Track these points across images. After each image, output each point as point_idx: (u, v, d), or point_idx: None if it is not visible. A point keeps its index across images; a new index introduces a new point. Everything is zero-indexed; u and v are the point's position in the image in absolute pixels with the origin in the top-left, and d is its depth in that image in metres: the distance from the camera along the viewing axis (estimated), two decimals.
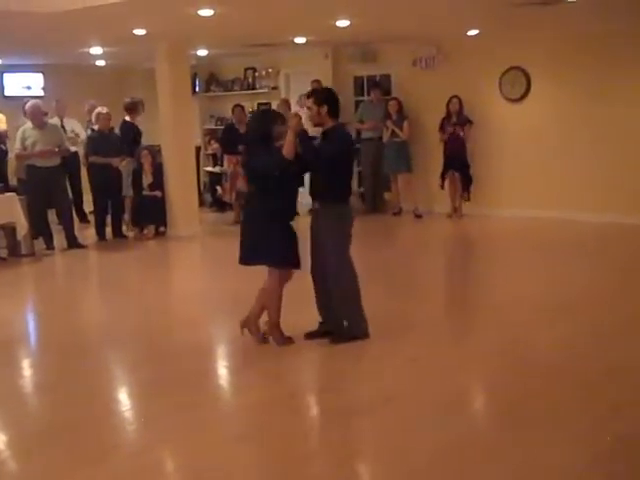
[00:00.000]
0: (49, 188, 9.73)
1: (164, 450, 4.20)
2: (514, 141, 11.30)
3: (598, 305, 6.68)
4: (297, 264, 5.63)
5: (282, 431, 4.30)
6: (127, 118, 11.13)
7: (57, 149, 9.83)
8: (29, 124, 9.84)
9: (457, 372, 5.18)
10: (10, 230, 9.44)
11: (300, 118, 5.59)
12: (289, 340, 5.72)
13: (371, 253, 9.74)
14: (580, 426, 4.21)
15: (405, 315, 6.54)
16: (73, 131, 11.88)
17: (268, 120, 5.62)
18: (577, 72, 10.63)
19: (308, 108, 5.65)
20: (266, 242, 5.51)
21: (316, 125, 5.68)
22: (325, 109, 5.54)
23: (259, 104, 14.04)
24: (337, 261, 5.65)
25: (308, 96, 5.76)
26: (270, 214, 5.48)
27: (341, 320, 5.81)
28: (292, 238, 5.60)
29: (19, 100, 11.83)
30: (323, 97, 5.62)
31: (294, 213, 5.65)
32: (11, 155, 10.22)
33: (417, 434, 4.21)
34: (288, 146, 5.38)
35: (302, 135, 5.52)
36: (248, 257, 5.62)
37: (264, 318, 5.78)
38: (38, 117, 9.81)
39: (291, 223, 5.60)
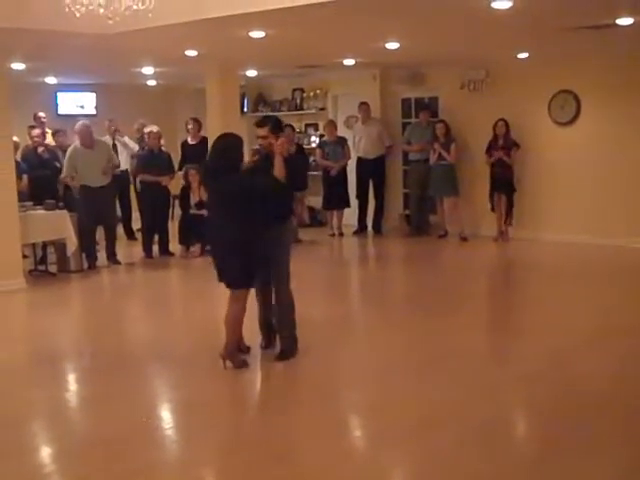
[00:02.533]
0: (99, 207, 9.93)
1: (207, 468, 4.22)
2: (562, 165, 11.18)
3: None
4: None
5: (325, 452, 4.29)
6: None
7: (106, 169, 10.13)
8: (77, 143, 10.04)
9: (498, 398, 5.13)
10: (60, 246, 9.61)
11: (285, 142, 5.96)
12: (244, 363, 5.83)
13: (415, 275, 9.73)
14: (627, 458, 4.12)
15: (447, 338, 6.49)
16: (127, 146, 12.11)
17: (241, 146, 5.94)
18: (627, 96, 10.50)
19: (263, 137, 5.91)
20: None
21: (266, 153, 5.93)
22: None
23: (307, 125, 14.13)
24: None
25: (259, 125, 5.99)
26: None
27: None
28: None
29: (72, 119, 12.06)
30: (279, 126, 6.04)
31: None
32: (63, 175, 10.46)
33: (458, 461, 4.16)
34: (279, 168, 5.72)
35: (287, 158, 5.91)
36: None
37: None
38: (87, 137, 10.00)
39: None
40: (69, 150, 10.11)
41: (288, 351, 5.94)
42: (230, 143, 5.83)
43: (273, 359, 5.90)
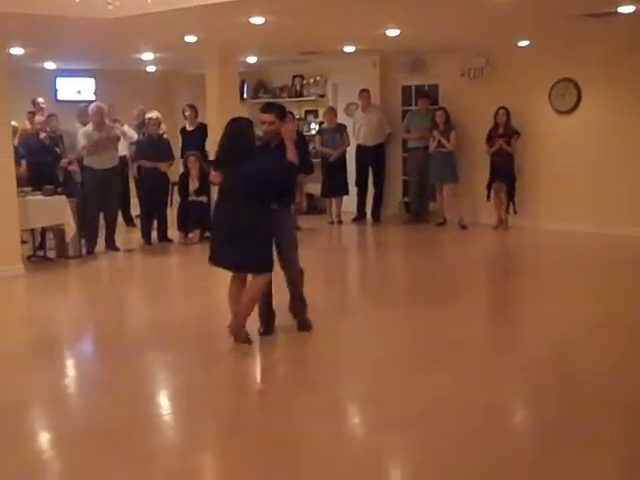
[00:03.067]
0: (104, 191, 9.97)
1: (208, 454, 4.23)
2: (562, 153, 11.17)
3: None
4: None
5: (323, 438, 4.30)
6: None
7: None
8: (89, 126, 10.15)
9: (498, 388, 5.13)
10: (59, 232, 9.60)
11: (293, 127, 6.17)
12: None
13: (414, 263, 9.72)
14: (626, 451, 4.12)
15: (447, 327, 6.49)
16: (125, 134, 12.06)
17: (253, 129, 5.93)
18: (629, 85, 10.48)
19: (270, 123, 5.90)
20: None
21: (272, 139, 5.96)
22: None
23: (306, 111, 14.10)
24: None
25: (265, 110, 5.99)
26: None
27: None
28: None
29: (71, 104, 12.03)
30: (284, 112, 6.04)
31: None
32: (64, 160, 10.48)
33: (457, 450, 4.16)
34: (293, 152, 5.84)
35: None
36: None
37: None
38: (100, 119, 10.12)
39: None
40: (81, 131, 10.21)
41: (306, 323, 6.23)
42: (244, 126, 5.88)
43: (296, 330, 6.17)
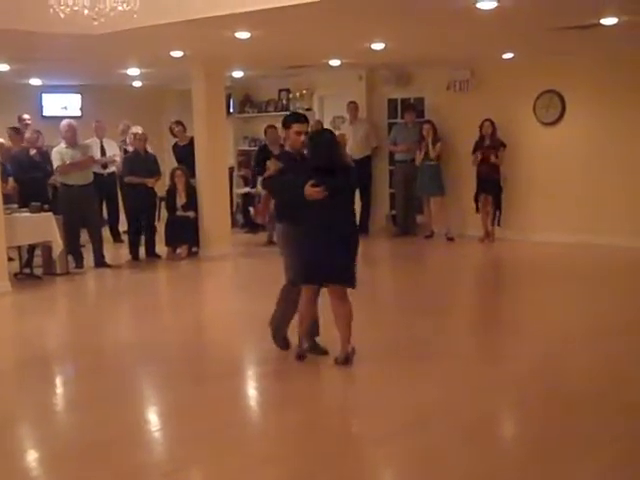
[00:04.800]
0: (81, 206, 9.91)
1: (195, 471, 4.20)
2: (548, 165, 11.23)
3: (634, 332, 6.57)
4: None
5: (314, 453, 4.28)
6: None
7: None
8: (63, 144, 10.07)
9: (487, 398, 5.13)
10: (46, 249, 9.56)
11: None
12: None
13: (401, 276, 9.74)
14: (612, 461, 4.12)
15: (433, 339, 6.50)
16: (115, 155, 12.02)
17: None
18: (613, 96, 10.56)
19: (305, 133, 5.77)
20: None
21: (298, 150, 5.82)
22: None
23: None
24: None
25: (300, 121, 5.82)
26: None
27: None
28: None
29: (57, 120, 12.00)
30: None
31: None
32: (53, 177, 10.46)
33: (445, 460, 4.16)
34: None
35: None
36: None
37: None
38: (71, 136, 10.03)
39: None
40: (55, 150, 10.11)
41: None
42: (333, 138, 5.75)
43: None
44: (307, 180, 5.45)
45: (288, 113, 6.22)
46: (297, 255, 5.67)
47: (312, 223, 5.55)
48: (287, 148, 5.98)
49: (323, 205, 5.47)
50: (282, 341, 6.02)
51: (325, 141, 5.66)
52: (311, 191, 5.42)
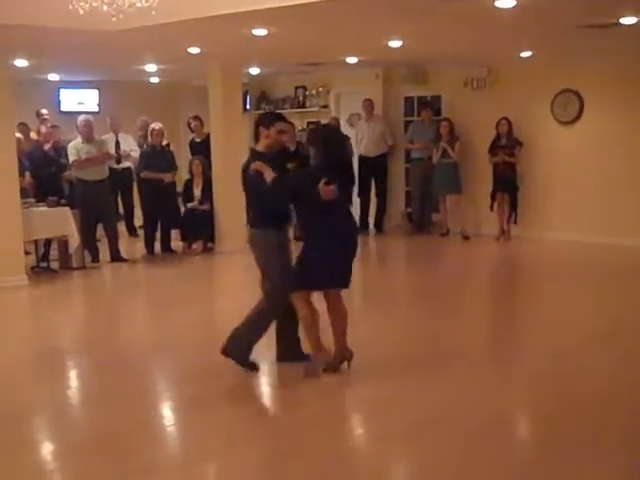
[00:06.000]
0: (97, 201, 9.99)
1: (207, 466, 4.22)
2: (564, 164, 11.18)
3: None
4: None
5: (324, 449, 4.29)
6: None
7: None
8: (79, 139, 10.17)
9: (500, 397, 5.13)
10: (62, 243, 9.63)
11: None
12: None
13: (417, 274, 9.73)
14: (628, 460, 4.11)
15: (449, 338, 6.49)
16: (131, 150, 12.05)
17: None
18: (631, 96, 10.49)
19: (285, 132, 5.62)
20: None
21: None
22: None
23: (309, 122, 14.12)
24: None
25: (284, 119, 5.65)
26: None
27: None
28: None
29: (75, 115, 12.06)
30: None
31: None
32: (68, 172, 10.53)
33: (459, 460, 4.16)
34: None
35: None
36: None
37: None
38: (88, 131, 10.12)
39: None
40: (70, 145, 10.21)
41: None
42: (342, 133, 5.68)
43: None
44: (315, 180, 5.18)
45: (264, 112, 5.85)
46: (302, 260, 5.41)
47: (323, 225, 5.30)
48: (258, 148, 5.52)
49: (330, 205, 5.24)
50: (251, 364, 5.56)
51: (337, 136, 5.56)
52: (326, 190, 5.14)
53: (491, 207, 11.35)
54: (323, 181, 5.16)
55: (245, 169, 5.47)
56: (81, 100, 14.28)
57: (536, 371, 5.61)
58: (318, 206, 5.24)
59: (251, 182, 5.39)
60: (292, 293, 5.43)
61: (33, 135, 11.54)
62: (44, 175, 10.38)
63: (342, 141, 5.52)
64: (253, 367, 5.54)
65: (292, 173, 5.55)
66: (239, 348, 5.48)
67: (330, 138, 5.56)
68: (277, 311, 5.53)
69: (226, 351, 5.49)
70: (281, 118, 5.60)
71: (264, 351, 5.71)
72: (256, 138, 5.57)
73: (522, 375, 5.53)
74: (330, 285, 5.42)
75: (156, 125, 10.99)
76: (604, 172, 10.83)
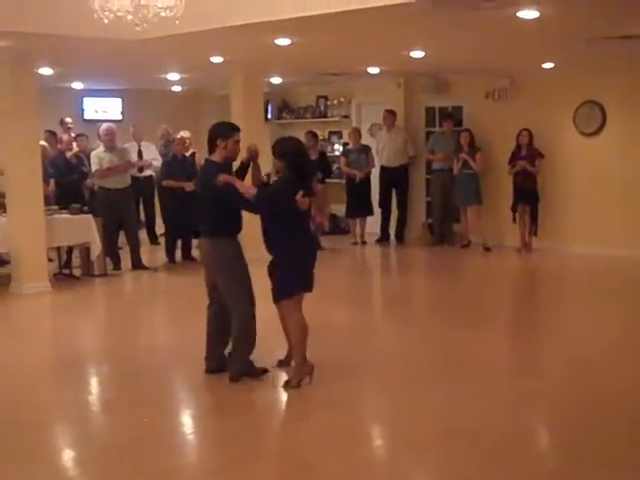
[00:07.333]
0: (119, 209, 10.07)
1: (224, 476, 4.21)
2: (587, 176, 11.11)
3: None
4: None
5: (341, 461, 4.29)
6: None
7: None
8: (101, 148, 10.25)
9: (520, 408, 5.10)
10: (84, 250, 9.70)
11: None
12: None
13: (437, 285, 9.69)
14: None
15: (469, 349, 6.47)
16: (153, 159, 12.10)
17: None
18: None
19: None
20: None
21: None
22: None
23: (330, 132, 14.16)
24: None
25: (239, 130, 5.73)
26: None
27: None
28: None
29: (98, 124, 12.15)
30: None
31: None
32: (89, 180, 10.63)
33: (479, 471, 4.14)
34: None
35: None
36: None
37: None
38: (110, 140, 10.20)
39: None
40: (93, 154, 10.31)
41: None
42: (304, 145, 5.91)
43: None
44: (290, 190, 5.33)
45: (217, 122, 5.78)
46: (286, 266, 5.52)
47: (300, 233, 5.48)
48: (215, 159, 5.58)
49: (304, 214, 5.49)
50: (259, 370, 5.66)
51: (304, 148, 5.81)
52: (303, 201, 5.33)
53: (514, 219, 11.31)
54: (301, 193, 5.31)
55: (206, 179, 5.57)
56: (104, 108, 14.39)
57: (556, 383, 5.58)
58: (296, 216, 5.41)
59: (219, 193, 5.45)
60: (284, 303, 5.55)
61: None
62: (66, 183, 10.50)
63: (307, 152, 5.75)
64: (264, 371, 5.66)
65: (271, 185, 5.69)
66: (242, 365, 5.59)
67: (302, 150, 5.68)
68: (249, 315, 5.64)
69: (234, 378, 5.56)
70: (237, 129, 5.71)
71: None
72: (211, 149, 5.63)
73: (542, 387, 5.49)
74: (306, 289, 5.55)
75: (181, 134, 11.07)
76: (626, 184, 10.75)
